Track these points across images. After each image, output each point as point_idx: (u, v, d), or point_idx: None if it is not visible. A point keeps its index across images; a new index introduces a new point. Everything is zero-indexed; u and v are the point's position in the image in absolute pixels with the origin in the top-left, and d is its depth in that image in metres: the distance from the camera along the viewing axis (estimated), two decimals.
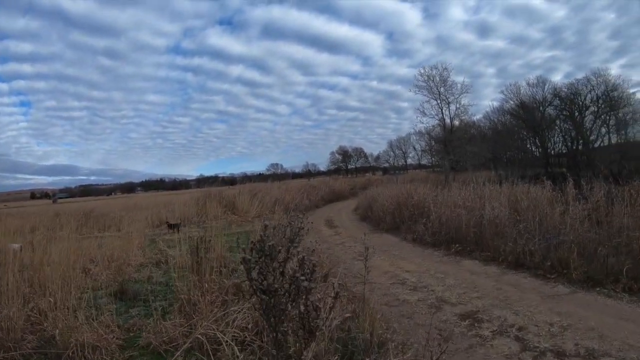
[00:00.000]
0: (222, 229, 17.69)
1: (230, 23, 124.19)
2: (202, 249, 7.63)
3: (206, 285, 6.71)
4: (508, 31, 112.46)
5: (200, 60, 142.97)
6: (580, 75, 44.18)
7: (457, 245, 11.10)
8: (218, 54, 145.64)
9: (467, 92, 37.64)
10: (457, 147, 36.83)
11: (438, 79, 37.18)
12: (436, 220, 12.65)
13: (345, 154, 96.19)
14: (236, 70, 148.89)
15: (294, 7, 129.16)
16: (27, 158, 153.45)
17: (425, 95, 37.67)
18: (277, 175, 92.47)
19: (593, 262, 7.93)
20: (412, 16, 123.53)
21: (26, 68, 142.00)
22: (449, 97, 37.31)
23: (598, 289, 7.31)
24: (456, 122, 38.25)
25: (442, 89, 37.17)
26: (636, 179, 10.26)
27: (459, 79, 38.89)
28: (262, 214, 21.97)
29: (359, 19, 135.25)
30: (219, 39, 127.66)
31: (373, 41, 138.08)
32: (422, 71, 37.86)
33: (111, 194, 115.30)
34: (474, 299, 7.25)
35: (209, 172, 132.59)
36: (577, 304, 6.68)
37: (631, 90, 38.28)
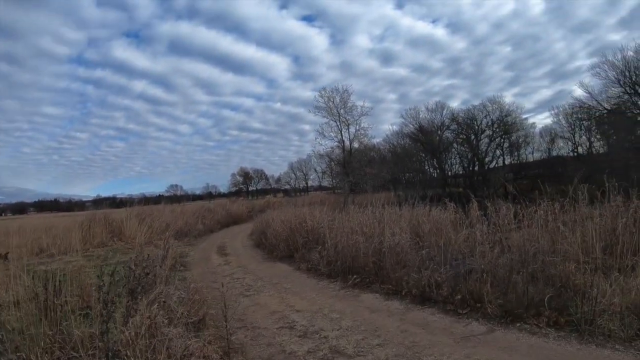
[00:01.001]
0: (103, 259, 16.09)
1: (137, 36, 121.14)
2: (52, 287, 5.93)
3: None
4: (410, 60, 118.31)
5: (103, 72, 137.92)
6: (476, 102, 47.31)
7: (355, 276, 9.94)
8: (122, 68, 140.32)
9: (367, 115, 37.52)
10: (357, 168, 36.46)
11: (338, 101, 36.77)
12: (332, 248, 11.46)
13: (246, 176, 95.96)
14: (139, 85, 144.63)
15: (202, 25, 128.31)
16: None
17: (324, 116, 37.15)
18: (176, 197, 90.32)
19: (509, 292, 7.11)
20: (319, 41, 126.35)
21: None
22: (348, 119, 36.94)
23: (518, 324, 6.47)
24: (355, 144, 37.98)
25: (342, 111, 36.77)
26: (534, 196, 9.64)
27: (361, 102, 38.67)
28: (151, 240, 20.28)
29: (266, 41, 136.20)
30: (123, 51, 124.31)
31: (279, 64, 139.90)
32: (323, 92, 37.34)
33: (0, 215, 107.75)
34: (376, 348, 6.05)
35: (106, 193, 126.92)
36: (498, 346, 5.70)
37: (523, 116, 42.89)
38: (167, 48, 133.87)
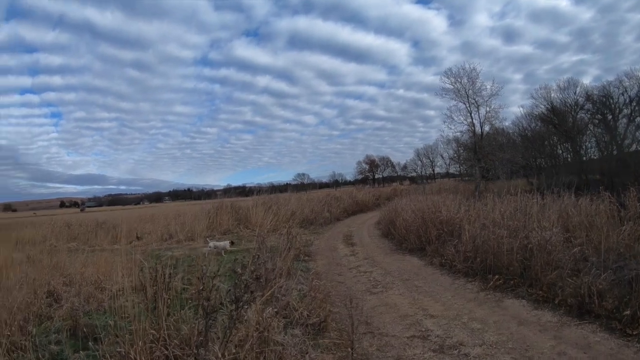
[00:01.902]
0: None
1: (256, 34, 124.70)
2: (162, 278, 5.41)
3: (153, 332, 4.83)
4: (534, 36, 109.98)
5: (227, 71, 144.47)
6: (610, 78, 41.15)
7: (496, 276, 8.65)
8: (245, 65, 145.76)
9: (497, 95, 34.62)
10: (489, 153, 34.03)
11: (466, 81, 34.37)
12: (469, 242, 10.22)
13: (372, 164, 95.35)
14: (263, 80, 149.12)
15: (319, 18, 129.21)
16: (57, 167, 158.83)
17: (452, 98, 34.97)
18: (303, 186, 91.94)
19: None
20: (437, 24, 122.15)
21: (56, 80, 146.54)
22: (478, 101, 34.36)
23: None
24: (486, 127, 35.37)
25: (470, 92, 34.32)
26: None
27: (490, 82, 35.69)
28: (277, 228, 20.05)
29: (384, 28, 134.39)
30: (245, 50, 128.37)
31: (399, 50, 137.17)
32: (449, 73, 35.18)
33: (139, 203, 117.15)
34: None
35: (236, 182, 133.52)
36: None
37: None
38: (286, 43, 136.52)
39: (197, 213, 25.61)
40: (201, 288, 4.36)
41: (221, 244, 15.32)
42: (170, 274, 5.78)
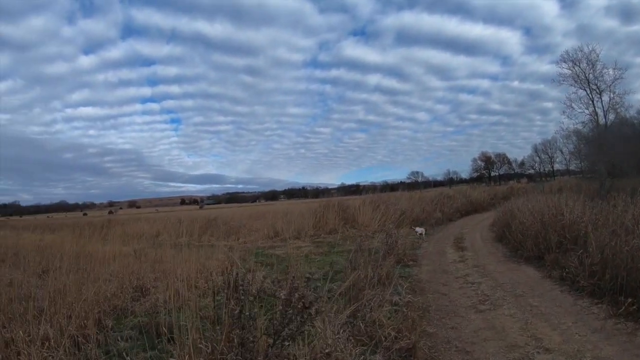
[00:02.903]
0: (331, 246, 15.43)
1: (364, 33, 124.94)
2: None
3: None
4: None
5: (338, 71, 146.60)
6: None
7: (629, 299, 7.04)
8: (354, 65, 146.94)
9: (622, 78, 31.07)
10: (616, 146, 30.65)
11: (585, 65, 31.17)
12: (597, 253, 8.65)
13: (487, 161, 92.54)
14: (373, 79, 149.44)
15: (425, 11, 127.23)
16: (178, 168, 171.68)
17: (571, 85, 31.89)
18: (416, 184, 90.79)
19: None
20: (548, 8, 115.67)
21: (174, 89, 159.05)
22: (600, 86, 31.06)
23: None
24: (611, 116, 31.87)
25: (591, 76, 31.09)
26: None
27: (610, 65, 32.06)
28: (384, 228, 19.21)
29: (493, 17, 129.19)
30: (353, 49, 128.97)
31: (510, 39, 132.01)
32: (566, 56, 32.09)
33: (255, 201, 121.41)
34: None
35: (350, 181, 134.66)
36: None
37: None
38: (394, 40, 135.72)
39: (304, 211, 25.44)
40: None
41: (421, 230, 18.83)
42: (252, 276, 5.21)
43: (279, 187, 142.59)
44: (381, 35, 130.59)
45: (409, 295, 8.26)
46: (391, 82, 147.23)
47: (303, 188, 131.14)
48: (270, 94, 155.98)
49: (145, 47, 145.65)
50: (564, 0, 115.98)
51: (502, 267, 11.50)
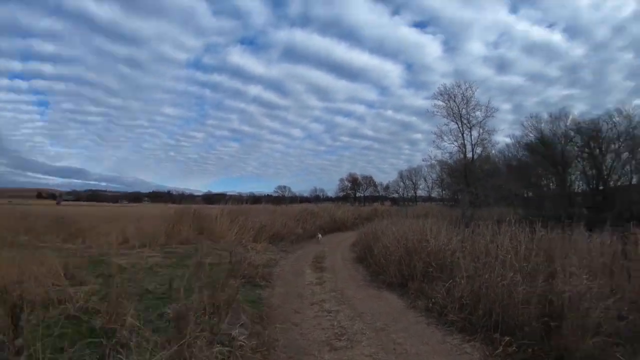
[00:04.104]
0: (180, 258, 13.74)
1: (252, 43, 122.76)
2: None
3: None
4: (526, 68, 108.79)
5: (220, 77, 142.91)
6: (597, 114, 41.01)
7: (506, 338, 6.15)
8: (238, 73, 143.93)
9: (493, 117, 32.77)
10: (480, 178, 31.93)
11: (460, 99, 32.43)
12: (467, 285, 7.79)
13: (354, 181, 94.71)
14: (254, 90, 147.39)
15: (316, 32, 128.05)
16: (39, 157, 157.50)
17: (444, 116, 32.95)
18: (283, 198, 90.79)
19: None
20: (432, 49, 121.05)
21: (47, 68, 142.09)
22: (471, 121, 32.47)
23: None
24: (478, 150, 33.40)
25: (464, 111, 32.40)
26: None
27: (483, 103, 33.91)
28: (241, 242, 17.77)
29: (380, 48, 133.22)
30: (239, 57, 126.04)
31: (392, 71, 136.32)
32: (443, 89, 33.18)
33: (117, 202, 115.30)
34: None
35: (217, 189, 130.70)
36: None
37: None
38: (281, 54, 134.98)
39: (159, 217, 23.36)
40: None
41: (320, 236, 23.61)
42: None
43: (145, 189, 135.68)
44: (269, 48, 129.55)
45: (257, 325, 6.86)
46: (271, 96, 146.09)
47: (169, 192, 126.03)
48: (148, 90, 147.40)
49: (24, 16, 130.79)
50: (447, 44, 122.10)
51: (362, 293, 10.43)
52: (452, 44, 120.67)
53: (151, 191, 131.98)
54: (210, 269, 8.70)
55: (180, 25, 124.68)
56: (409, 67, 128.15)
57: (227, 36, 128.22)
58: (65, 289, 7.99)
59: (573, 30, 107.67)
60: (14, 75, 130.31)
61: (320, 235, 24.21)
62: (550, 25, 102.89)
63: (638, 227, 9.48)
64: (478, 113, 32.55)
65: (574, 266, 6.85)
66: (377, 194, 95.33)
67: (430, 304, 8.43)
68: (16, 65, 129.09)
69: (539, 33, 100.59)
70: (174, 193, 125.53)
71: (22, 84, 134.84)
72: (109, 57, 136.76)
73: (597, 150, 37.37)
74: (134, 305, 6.87)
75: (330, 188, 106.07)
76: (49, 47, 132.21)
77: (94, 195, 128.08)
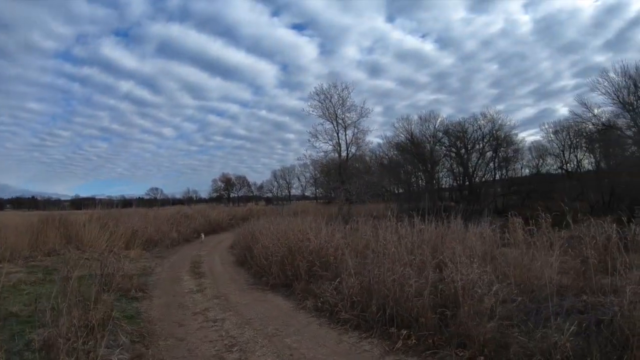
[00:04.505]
0: (46, 272, 12.44)
1: (127, 35, 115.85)
2: None
3: None
4: (398, 73, 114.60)
5: (90, 70, 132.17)
6: (461, 118, 45.21)
7: (403, 331, 6.10)
8: (109, 67, 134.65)
9: (367, 117, 33.72)
10: (354, 175, 32.64)
11: (336, 99, 32.96)
12: (357, 282, 7.62)
13: (228, 182, 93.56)
14: (126, 86, 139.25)
15: (194, 28, 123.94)
16: None
17: (320, 116, 33.34)
18: (155, 201, 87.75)
19: None
20: (308, 51, 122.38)
21: None
22: (346, 121, 33.15)
23: None
24: (353, 149, 34.16)
25: (339, 111, 32.99)
26: None
27: (360, 102, 34.84)
28: (112, 249, 16.49)
29: (256, 48, 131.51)
30: (112, 50, 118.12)
31: (267, 71, 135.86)
32: (320, 89, 33.52)
33: None
34: None
35: (86, 193, 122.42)
36: None
37: (513, 131, 41.05)
38: (156, 49, 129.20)
39: (21, 227, 21.19)
40: None
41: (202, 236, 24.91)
42: None
43: (7, 194, 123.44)
44: (144, 42, 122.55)
45: (138, 344, 6.28)
46: (143, 93, 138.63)
47: (33, 197, 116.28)
48: (11, 81, 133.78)
49: None
50: (323, 47, 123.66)
51: (247, 297, 9.95)
52: (328, 47, 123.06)
53: (14, 197, 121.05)
54: (79, 283, 7.75)
55: (53, 9, 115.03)
56: (285, 67, 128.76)
57: (101, 25, 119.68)
58: None
59: (444, 42, 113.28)
60: None
61: (203, 235, 24.90)
62: (424, 36, 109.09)
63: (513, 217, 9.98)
64: (353, 114, 33.28)
65: (461, 255, 6.94)
66: (251, 194, 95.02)
67: (320, 304, 8.20)
68: None
69: (412, 42, 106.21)
70: (39, 198, 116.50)
71: None
72: None
73: (463, 150, 41.22)
74: None
75: (204, 189, 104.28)
76: None
77: None
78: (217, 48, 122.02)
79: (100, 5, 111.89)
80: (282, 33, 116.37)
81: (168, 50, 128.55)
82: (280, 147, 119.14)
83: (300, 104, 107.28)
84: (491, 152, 40.74)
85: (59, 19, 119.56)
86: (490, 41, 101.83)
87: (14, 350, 5.65)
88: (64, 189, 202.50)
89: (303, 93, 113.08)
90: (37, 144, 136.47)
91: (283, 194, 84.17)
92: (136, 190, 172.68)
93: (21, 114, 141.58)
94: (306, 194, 77.55)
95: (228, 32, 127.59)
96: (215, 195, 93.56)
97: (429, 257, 7.55)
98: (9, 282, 11.49)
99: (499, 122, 39.96)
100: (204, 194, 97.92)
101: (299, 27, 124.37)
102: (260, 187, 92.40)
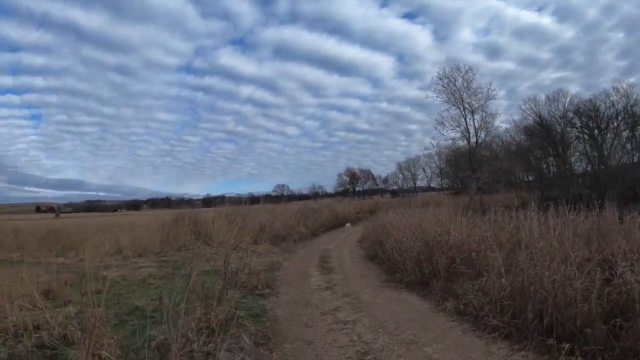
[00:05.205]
0: (175, 267, 13.01)
1: (242, 43, 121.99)
2: None
3: None
4: (517, 53, 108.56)
5: (211, 80, 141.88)
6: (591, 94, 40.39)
7: (566, 344, 5.06)
8: (229, 74, 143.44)
9: (494, 98, 31.79)
10: (485, 162, 30.81)
11: (461, 82, 31.33)
12: (508, 282, 6.64)
13: (352, 176, 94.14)
14: (247, 90, 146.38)
15: (305, 29, 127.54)
16: (35, 171, 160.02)
17: (445, 101, 31.87)
18: (282, 197, 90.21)
19: None
20: (422, 38, 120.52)
21: (38, 81, 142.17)
22: (473, 104, 31.42)
23: None
24: (482, 134, 32.27)
25: (465, 95, 31.35)
26: None
27: (486, 84, 32.75)
28: (240, 244, 17.25)
29: (369, 41, 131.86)
30: (230, 58, 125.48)
31: (383, 63, 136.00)
32: (442, 73, 32.05)
33: (117, 211, 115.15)
34: None
35: (216, 192, 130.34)
36: None
37: None
38: (272, 53, 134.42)
39: (154, 225, 22.28)
40: None
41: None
42: None
43: (143, 196, 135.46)
44: (259, 47, 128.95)
45: (262, 347, 6.02)
46: (264, 95, 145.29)
47: (167, 198, 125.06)
48: (140, 97, 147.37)
49: (12, 30, 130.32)
50: (436, 33, 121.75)
51: (379, 296, 9.30)
52: (442, 33, 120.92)
53: (149, 198, 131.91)
54: (204, 279, 7.53)
55: (169, 29, 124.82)
56: (400, 58, 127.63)
57: (217, 38, 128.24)
58: (42, 312, 6.89)
59: (562, 13, 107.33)
60: (5, 90, 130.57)
61: (348, 225, 25.98)
62: (540, 9, 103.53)
63: None
64: (480, 96, 31.54)
65: (634, 252, 5.81)
66: (376, 187, 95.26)
67: (462, 306, 7.29)
68: (7, 80, 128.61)
69: (528, 17, 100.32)
70: (173, 199, 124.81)
71: (13, 98, 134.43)
72: (99, 66, 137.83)
73: (597, 130, 37.15)
74: (117, 330, 6.07)
75: (329, 184, 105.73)
76: (38, 60, 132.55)
77: (93, 206, 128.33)
78: (330, 45, 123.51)
79: (214, 19, 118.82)
80: (393, 23, 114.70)
81: (283, 52, 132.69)
82: (404, 139, 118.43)
83: (420, 93, 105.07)
84: (628, 131, 36.60)
85: (177, 36, 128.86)
86: (613, 6, 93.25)
87: (133, 347, 5.49)
88: (196, 189, 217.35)
89: (422, 82, 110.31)
90: (168, 150, 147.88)
91: (408, 185, 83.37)
92: (263, 187, 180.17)
93: (152, 125, 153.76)
94: (432, 185, 75.99)
95: (339, 29, 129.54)
96: (340, 189, 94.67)
97: (586, 253, 6.44)
98: (139, 276, 11.86)
99: (634, 96, 35.75)
100: (329, 189, 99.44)
101: (409, 16, 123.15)
102: (385, 180, 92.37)
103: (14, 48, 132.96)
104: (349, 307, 8.59)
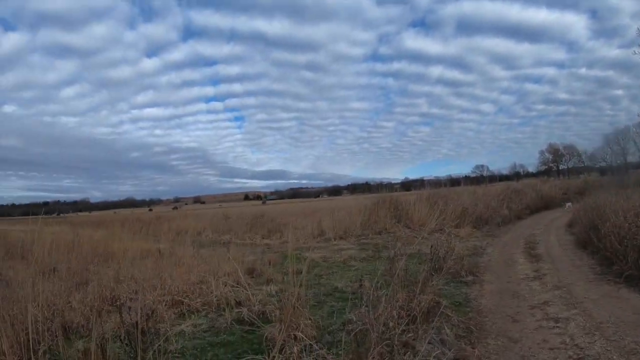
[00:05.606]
0: (376, 250, 13.71)
1: (423, 24, 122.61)
2: None
3: None
4: None
5: (399, 64, 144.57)
6: None
7: None
8: (415, 57, 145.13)
9: None
10: None
11: None
12: None
13: (555, 153, 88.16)
14: (436, 71, 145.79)
15: None
16: (242, 165, 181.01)
17: None
18: (482, 178, 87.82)
19: None
20: None
21: (236, 87, 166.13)
22: None
23: None
24: None
25: None
26: None
27: None
28: (442, 228, 16.89)
29: (556, 1, 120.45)
30: (414, 41, 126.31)
31: (575, 23, 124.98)
32: None
33: (319, 197, 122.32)
34: None
35: (414, 175, 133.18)
36: None
37: None
38: (455, 29, 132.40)
39: (353, 208, 23.12)
40: None
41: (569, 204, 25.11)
42: None
43: (343, 183, 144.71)
44: (441, 26, 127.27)
45: (463, 340, 5.75)
46: (454, 74, 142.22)
47: (366, 183, 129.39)
48: (332, 89, 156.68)
49: (206, 48, 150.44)
50: None
51: (594, 292, 8.29)
52: None
53: (350, 184, 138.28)
54: (407, 263, 7.46)
55: (349, 22, 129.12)
56: (593, 14, 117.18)
57: (397, 23, 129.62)
58: (244, 290, 7.74)
59: None
60: (209, 99, 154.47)
61: (568, 204, 25.85)
62: None
63: None
64: None
65: None
66: (582, 165, 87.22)
67: None
68: (209, 90, 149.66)
69: None
70: (372, 183, 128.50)
71: (217, 105, 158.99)
72: (289, 66, 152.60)
73: None
74: (314, 310, 6.54)
75: (530, 162, 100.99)
76: (234, 69, 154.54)
77: (296, 193, 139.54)
78: (515, 12, 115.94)
79: (390, 5, 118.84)
80: None
81: (467, 26, 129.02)
82: (609, 108, 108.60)
83: (623, 52, 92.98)
84: None
85: (358, 28, 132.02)
86: None
87: (329, 329, 5.79)
88: (394, 173, 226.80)
89: (623, 39, 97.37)
90: (365, 137, 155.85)
91: (618, 161, 75.35)
92: (462, 169, 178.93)
93: (347, 114, 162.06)
94: None
95: None
96: (543, 168, 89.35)
97: None
98: (340, 258, 12.53)
99: None
100: (531, 168, 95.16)
101: None
102: (592, 156, 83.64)
103: (210, 63, 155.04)
104: (560, 301, 7.81)
